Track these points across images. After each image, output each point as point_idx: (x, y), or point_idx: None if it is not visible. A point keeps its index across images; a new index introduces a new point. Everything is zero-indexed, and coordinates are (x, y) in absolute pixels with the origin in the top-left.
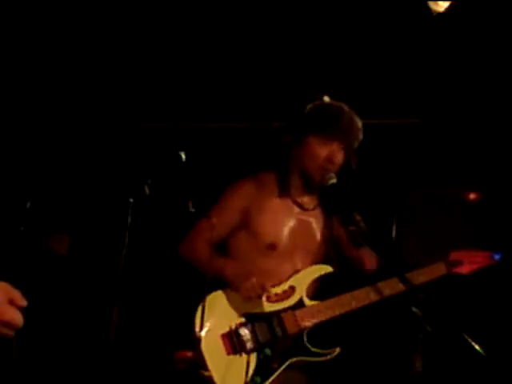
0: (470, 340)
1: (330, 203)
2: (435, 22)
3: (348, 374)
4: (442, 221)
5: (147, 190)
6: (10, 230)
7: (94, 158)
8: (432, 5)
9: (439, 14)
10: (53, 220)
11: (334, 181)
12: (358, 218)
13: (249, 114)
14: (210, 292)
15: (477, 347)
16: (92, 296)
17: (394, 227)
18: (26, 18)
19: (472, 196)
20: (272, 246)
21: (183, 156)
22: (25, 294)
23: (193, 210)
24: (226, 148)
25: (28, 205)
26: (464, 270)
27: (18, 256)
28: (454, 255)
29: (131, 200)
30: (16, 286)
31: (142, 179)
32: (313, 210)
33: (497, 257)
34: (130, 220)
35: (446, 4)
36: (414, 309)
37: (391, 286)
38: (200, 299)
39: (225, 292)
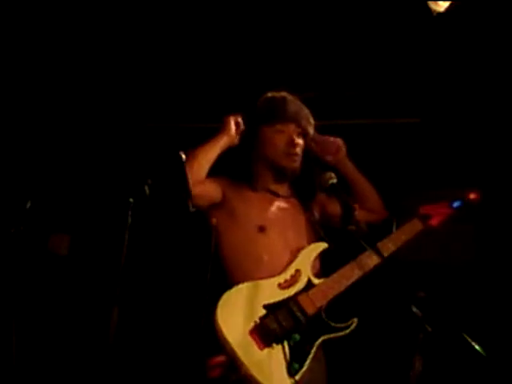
0: (470, 340)
1: (304, 192)
2: (435, 22)
3: (348, 375)
4: None
5: (147, 190)
6: (10, 230)
7: (94, 158)
8: (432, 5)
9: (439, 13)
10: (53, 220)
11: (335, 181)
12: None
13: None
14: (210, 293)
15: (477, 347)
16: (92, 296)
17: (394, 227)
18: (27, 18)
19: (472, 196)
20: (262, 228)
21: (183, 156)
22: (25, 295)
23: (193, 210)
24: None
25: (28, 205)
26: (433, 222)
27: (18, 256)
28: (423, 210)
29: (131, 200)
30: (16, 286)
31: (142, 179)
32: (288, 197)
33: (455, 204)
34: (130, 220)
35: (446, 4)
36: (414, 309)
37: (385, 248)
38: (200, 300)
39: (238, 289)
